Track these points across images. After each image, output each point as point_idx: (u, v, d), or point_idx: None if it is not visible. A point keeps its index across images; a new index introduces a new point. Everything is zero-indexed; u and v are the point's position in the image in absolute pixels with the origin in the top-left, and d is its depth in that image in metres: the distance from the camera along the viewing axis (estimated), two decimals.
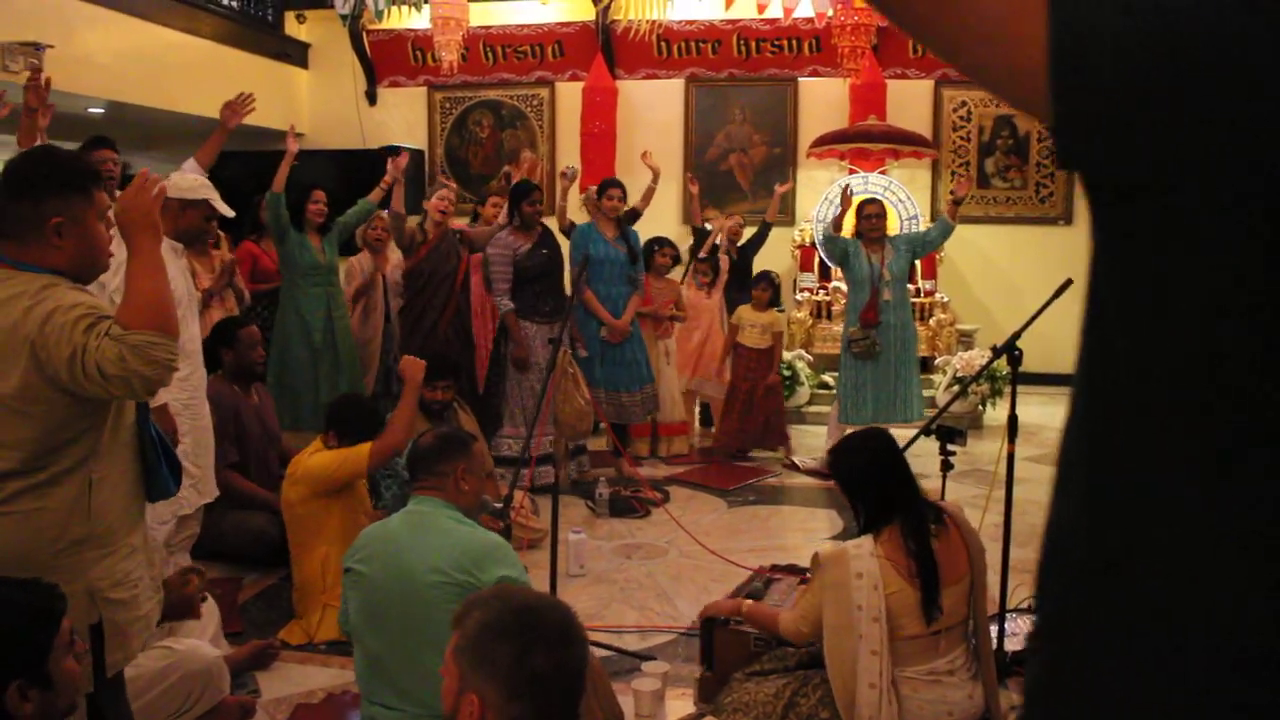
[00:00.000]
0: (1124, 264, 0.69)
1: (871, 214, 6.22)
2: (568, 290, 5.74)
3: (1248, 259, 0.63)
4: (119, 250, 2.42)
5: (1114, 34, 0.64)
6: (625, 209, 6.22)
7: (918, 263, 8.57)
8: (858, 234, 6.28)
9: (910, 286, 8.44)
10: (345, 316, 6.00)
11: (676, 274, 7.12)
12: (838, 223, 6.33)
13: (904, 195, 8.62)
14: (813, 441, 7.02)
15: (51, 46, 6.42)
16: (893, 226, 7.93)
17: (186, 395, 3.82)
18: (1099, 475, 0.72)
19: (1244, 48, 0.61)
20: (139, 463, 2.40)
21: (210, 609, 3.44)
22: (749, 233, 7.67)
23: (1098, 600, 0.72)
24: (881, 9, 0.74)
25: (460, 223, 6.80)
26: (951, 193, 6.28)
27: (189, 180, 3.90)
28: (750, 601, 3.27)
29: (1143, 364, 0.69)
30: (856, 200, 6.62)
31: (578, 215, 6.58)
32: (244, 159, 8.17)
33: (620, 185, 6.28)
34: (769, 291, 6.77)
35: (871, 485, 2.85)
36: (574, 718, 1.57)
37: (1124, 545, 0.70)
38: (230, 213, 4.03)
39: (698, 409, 7.43)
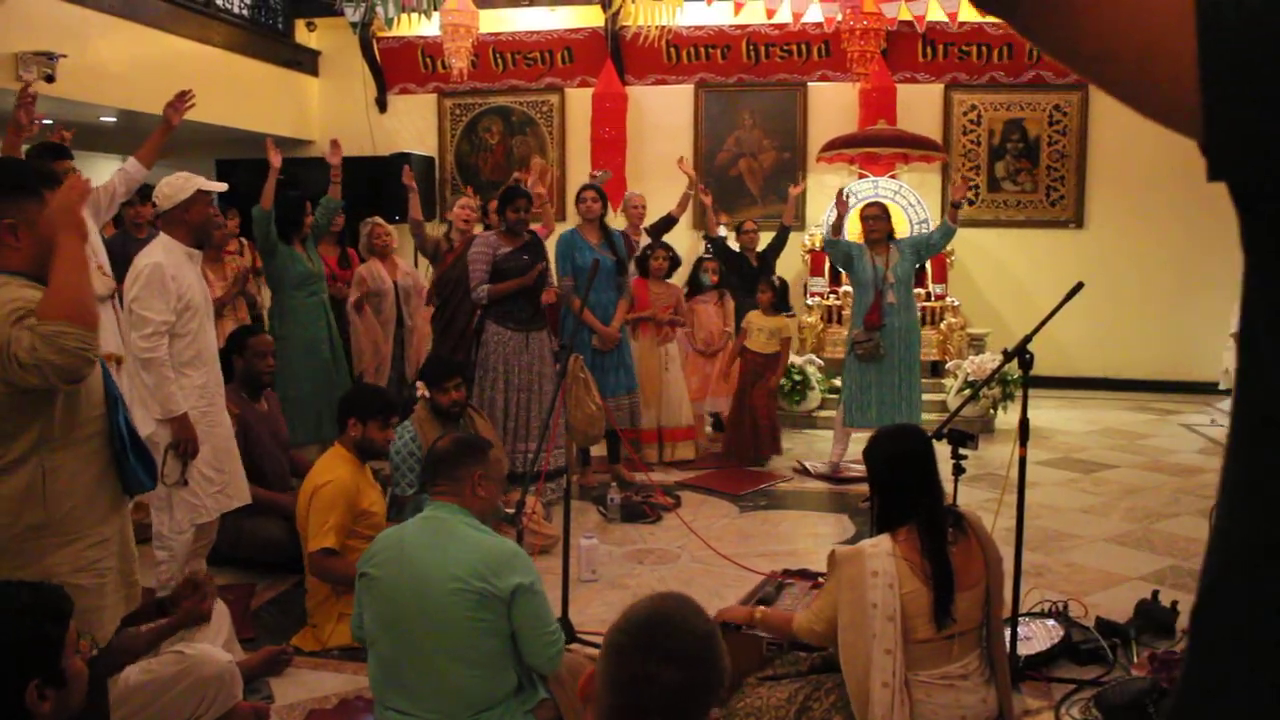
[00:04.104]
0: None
1: (871, 216, 6.22)
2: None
3: None
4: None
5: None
6: (602, 212, 6.08)
7: (928, 266, 8.58)
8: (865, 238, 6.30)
9: (920, 290, 8.45)
10: (334, 322, 5.95)
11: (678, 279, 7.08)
12: (837, 226, 6.33)
13: (914, 199, 8.62)
14: (824, 446, 6.98)
15: (65, 56, 6.48)
16: (902, 230, 7.92)
17: (205, 402, 3.86)
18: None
19: None
20: (107, 454, 2.44)
21: (223, 614, 3.45)
22: (766, 238, 7.65)
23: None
24: (1022, 30, 0.69)
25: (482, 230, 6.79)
26: (952, 200, 6.30)
27: (176, 183, 3.90)
28: (763, 608, 3.27)
29: None
30: (857, 205, 6.60)
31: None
32: (255, 166, 8.18)
33: (594, 189, 6.17)
34: (769, 293, 6.68)
35: (896, 479, 2.85)
36: None
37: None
38: (223, 187, 4.15)
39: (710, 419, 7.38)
